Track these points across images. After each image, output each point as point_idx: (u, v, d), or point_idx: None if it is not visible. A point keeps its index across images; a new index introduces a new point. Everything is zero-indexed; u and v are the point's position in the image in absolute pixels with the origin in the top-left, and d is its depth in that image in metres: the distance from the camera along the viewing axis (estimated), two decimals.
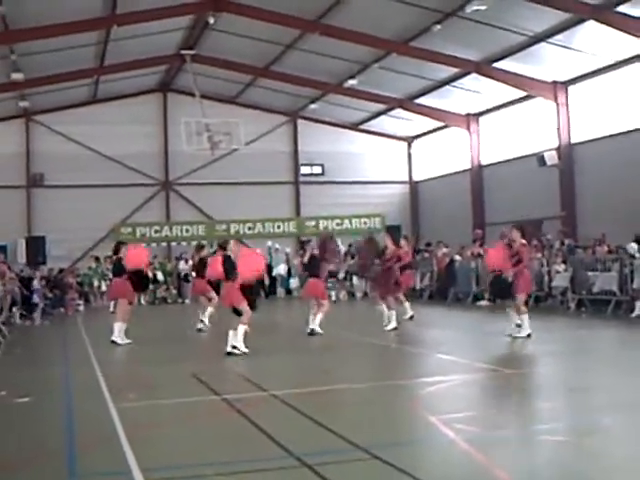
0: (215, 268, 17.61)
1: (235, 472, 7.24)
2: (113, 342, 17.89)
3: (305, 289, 19.85)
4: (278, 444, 8.03)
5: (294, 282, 34.81)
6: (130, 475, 7.14)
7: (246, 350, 15.04)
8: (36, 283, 27.63)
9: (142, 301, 31.29)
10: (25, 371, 14.89)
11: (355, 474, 7.10)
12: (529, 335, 16.31)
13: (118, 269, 18.83)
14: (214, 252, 20.69)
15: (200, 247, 22.41)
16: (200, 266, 21.16)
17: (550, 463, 7.37)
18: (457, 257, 29.92)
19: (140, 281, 18.89)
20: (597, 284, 22.66)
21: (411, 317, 20.86)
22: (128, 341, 18.00)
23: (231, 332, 15.21)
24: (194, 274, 22.21)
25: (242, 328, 15.20)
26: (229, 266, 15.77)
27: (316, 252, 19.10)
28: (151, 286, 28.51)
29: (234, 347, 15.04)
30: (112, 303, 27.65)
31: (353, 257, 32.24)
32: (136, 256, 18.79)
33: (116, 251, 19.09)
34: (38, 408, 10.81)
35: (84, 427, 9.42)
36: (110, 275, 31.21)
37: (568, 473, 7.08)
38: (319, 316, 18.41)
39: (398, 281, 19.97)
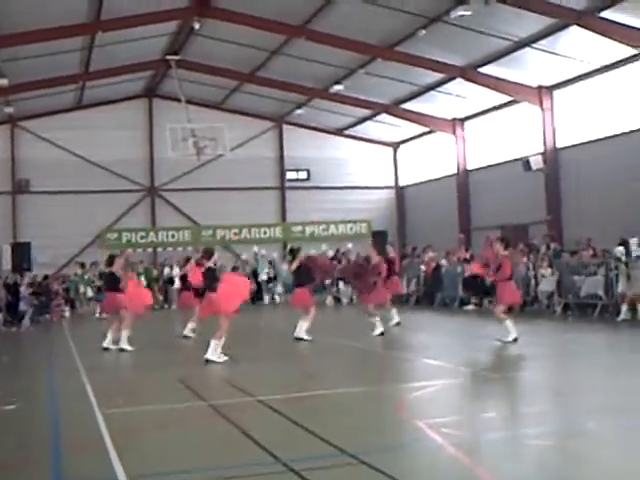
0: (196, 277, 17.35)
1: (222, 478, 7.24)
2: (122, 349, 17.73)
3: (293, 298, 19.77)
4: (265, 449, 8.02)
5: (279, 289, 34.84)
6: None
7: (225, 359, 14.97)
8: (23, 290, 27.53)
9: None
10: (11, 378, 14.85)
11: (342, 479, 7.09)
12: (515, 339, 16.35)
13: (112, 282, 18.50)
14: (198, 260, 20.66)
15: (187, 259, 22.39)
16: (186, 279, 21.14)
17: (537, 467, 7.38)
18: (443, 262, 29.95)
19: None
20: (583, 288, 22.73)
21: (397, 323, 20.87)
22: (131, 348, 17.85)
23: (213, 340, 15.14)
24: (179, 284, 22.04)
25: (214, 343, 15.05)
26: (211, 278, 15.65)
27: (305, 262, 19.10)
28: None
29: (208, 360, 14.92)
30: (98, 311, 27.71)
31: (340, 262, 32.24)
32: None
33: (110, 263, 18.82)
34: (25, 415, 10.76)
35: (71, 434, 9.40)
36: (96, 282, 31.48)
37: (554, 477, 7.10)
38: (305, 324, 18.38)
39: (381, 288, 19.98)
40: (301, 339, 18.15)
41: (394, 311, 21.02)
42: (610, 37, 23.95)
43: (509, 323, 16.60)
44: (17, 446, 8.92)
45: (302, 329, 18.31)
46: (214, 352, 14.97)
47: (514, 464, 7.47)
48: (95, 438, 8.89)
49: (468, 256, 28.38)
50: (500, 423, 9.41)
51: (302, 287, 18.85)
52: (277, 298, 34.99)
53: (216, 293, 15.29)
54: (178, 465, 7.72)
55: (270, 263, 35.70)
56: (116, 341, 18.61)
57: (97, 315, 28.63)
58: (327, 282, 31.66)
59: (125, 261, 19.78)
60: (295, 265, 19.05)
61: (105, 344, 18.17)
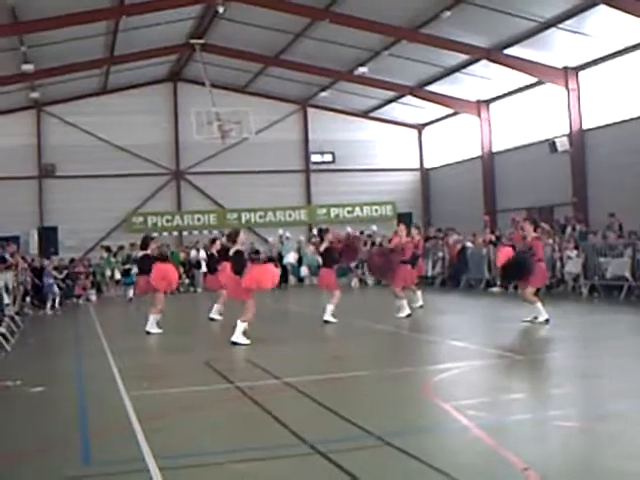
0: (226, 274, 17.09)
1: (248, 459, 7.27)
2: (148, 332, 17.74)
3: (319, 279, 19.78)
4: (291, 431, 8.06)
5: (304, 270, 34.85)
6: (144, 462, 7.17)
7: (247, 342, 14.99)
8: (50, 273, 27.70)
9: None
10: (39, 361, 14.99)
11: (368, 461, 7.10)
12: (547, 320, 16.32)
13: (146, 265, 18.36)
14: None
15: (213, 241, 22.35)
16: (211, 261, 21.14)
17: (563, 449, 7.38)
18: (469, 244, 29.86)
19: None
20: (609, 270, 22.62)
21: (421, 306, 20.80)
22: (160, 331, 17.88)
23: (239, 322, 15.21)
24: (205, 269, 21.95)
25: (241, 326, 15.10)
26: (239, 262, 15.59)
27: (333, 243, 19.07)
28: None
29: (234, 343, 15.00)
30: (131, 292, 27.73)
31: (365, 244, 32.23)
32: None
33: (144, 246, 18.74)
34: (52, 397, 10.87)
35: (98, 416, 9.48)
36: (121, 266, 31.66)
37: (581, 458, 7.08)
38: (330, 307, 18.37)
39: (408, 270, 19.93)
40: (327, 322, 18.16)
41: (419, 293, 21.02)
42: (638, 16, 23.67)
43: (539, 305, 16.57)
44: (46, 428, 9.00)
45: (328, 312, 18.32)
46: (240, 334, 15.03)
47: (539, 446, 7.46)
48: (122, 420, 8.97)
49: (494, 238, 28.34)
50: (526, 405, 9.40)
51: (328, 268, 18.85)
52: (306, 280, 35.13)
53: (243, 277, 15.32)
54: (204, 447, 7.77)
55: (298, 244, 35.76)
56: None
57: (130, 298, 28.68)
58: (352, 264, 31.65)
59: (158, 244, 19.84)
60: (324, 246, 19.01)
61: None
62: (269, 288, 16.15)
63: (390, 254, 19.76)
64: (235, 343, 14.94)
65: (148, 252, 18.61)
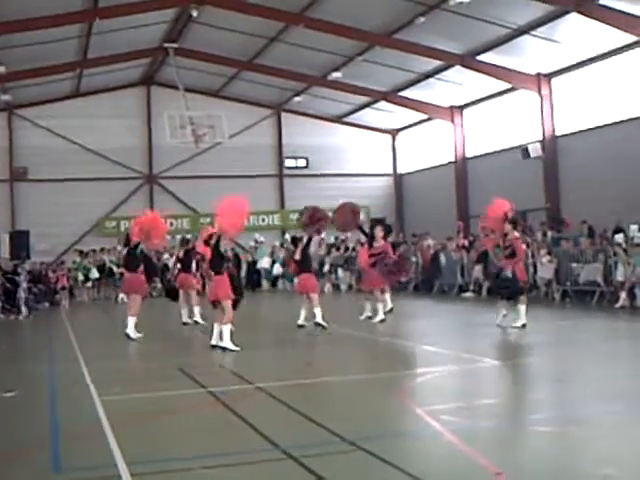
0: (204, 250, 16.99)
1: (221, 465, 7.24)
2: (127, 335, 17.53)
3: (298, 285, 19.64)
4: (264, 436, 8.03)
5: (277, 268, 34.92)
6: (115, 468, 7.11)
7: (237, 348, 14.83)
8: (22, 278, 27.51)
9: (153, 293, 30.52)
10: (11, 366, 14.85)
11: (341, 466, 7.09)
12: (524, 325, 16.41)
13: (132, 262, 18.29)
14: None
15: (185, 241, 22.26)
16: (186, 259, 21.06)
17: (537, 453, 7.38)
18: (442, 249, 29.90)
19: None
20: (582, 275, 22.75)
21: (390, 310, 20.64)
22: (140, 335, 17.69)
23: (216, 325, 15.13)
24: (179, 267, 21.84)
25: (227, 329, 14.95)
26: (218, 259, 15.55)
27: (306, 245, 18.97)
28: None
29: (224, 349, 14.90)
30: (123, 296, 27.47)
31: (338, 249, 32.23)
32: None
33: (127, 243, 18.62)
34: (24, 402, 10.77)
35: (69, 421, 9.40)
36: (93, 270, 31.55)
37: (555, 463, 7.09)
38: (318, 310, 18.20)
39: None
40: (320, 325, 18.00)
41: (387, 297, 20.81)
42: (609, 24, 23.90)
43: (524, 308, 16.66)
44: (16, 433, 8.92)
45: (318, 316, 18.16)
46: (228, 339, 14.92)
47: (513, 451, 7.48)
48: (94, 425, 8.90)
49: (467, 243, 28.44)
50: (499, 410, 9.40)
51: (307, 273, 18.80)
52: (279, 284, 35.14)
53: (223, 276, 15.26)
54: (177, 452, 7.73)
55: (272, 249, 35.81)
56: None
57: (120, 300, 28.51)
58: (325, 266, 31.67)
59: None
60: (299, 254, 18.93)
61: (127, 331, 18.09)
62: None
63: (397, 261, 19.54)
64: (223, 350, 14.83)
65: (133, 248, 18.28)
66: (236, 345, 14.83)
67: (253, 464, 7.25)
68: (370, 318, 19.21)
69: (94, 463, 7.49)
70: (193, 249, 20.47)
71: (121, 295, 28.29)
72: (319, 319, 18.08)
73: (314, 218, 18.93)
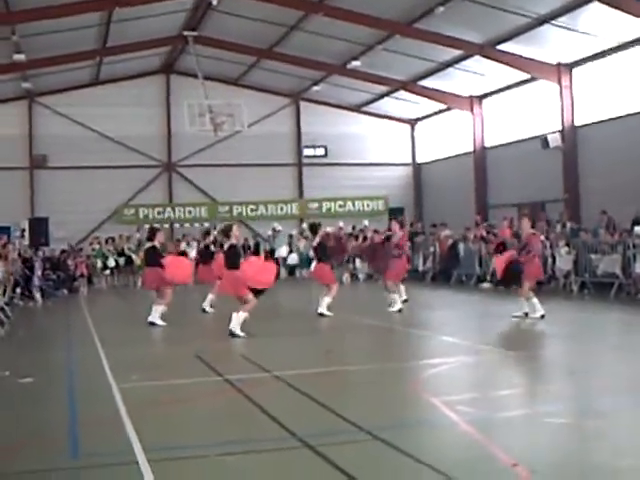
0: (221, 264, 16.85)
1: (237, 452, 7.26)
2: (152, 324, 17.59)
3: (314, 272, 19.71)
4: (280, 425, 8.05)
5: (294, 257, 34.97)
6: (132, 455, 7.16)
7: (243, 334, 14.92)
8: (38, 264, 27.67)
9: None
10: (28, 352, 14.93)
11: (357, 455, 7.11)
12: (543, 316, 16.40)
13: (153, 257, 18.13)
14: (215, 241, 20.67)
15: (206, 233, 22.27)
16: (205, 253, 21.07)
17: (552, 445, 7.38)
18: (462, 239, 29.84)
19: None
20: (600, 267, 22.65)
21: (405, 300, 20.63)
22: (163, 324, 17.71)
23: (234, 314, 15.17)
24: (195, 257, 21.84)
25: (242, 315, 15.07)
26: (234, 256, 15.51)
27: (325, 239, 19.08)
28: None
29: (232, 333, 14.96)
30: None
31: (357, 239, 32.19)
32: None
33: (151, 237, 18.45)
34: (41, 389, 10.83)
35: (86, 407, 9.46)
36: (112, 257, 31.70)
37: (570, 454, 7.09)
38: (326, 299, 18.36)
39: (400, 264, 19.91)
40: (322, 315, 18.15)
41: (402, 288, 20.79)
42: (631, 13, 23.68)
43: (535, 300, 16.64)
44: (33, 419, 8.98)
45: (324, 305, 18.30)
46: (237, 325, 14.97)
47: (529, 442, 7.46)
48: (111, 412, 8.95)
49: (485, 233, 28.35)
50: (515, 401, 9.40)
51: (323, 263, 18.84)
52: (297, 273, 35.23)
53: (239, 271, 15.25)
54: (193, 439, 7.77)
55: (290, 238, 35.86)
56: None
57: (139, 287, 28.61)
58: (341, 261, 31.65)
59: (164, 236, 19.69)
60: (316, 241, 18.99)
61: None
62: (265, 286, 15.82)
63: (382, 249, 19.80)
64: (233, 333, 14.90)
65: (155, 244, 18.30)
66: (243, 332, 14.93)
67: (269, 452, 7.28)
68: (400, 311, 19.17)
69: (112, 449, 7.54)
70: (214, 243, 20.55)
71: (139, 283, 28.38)
72: (322, 309, 18.17)
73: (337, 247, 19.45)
